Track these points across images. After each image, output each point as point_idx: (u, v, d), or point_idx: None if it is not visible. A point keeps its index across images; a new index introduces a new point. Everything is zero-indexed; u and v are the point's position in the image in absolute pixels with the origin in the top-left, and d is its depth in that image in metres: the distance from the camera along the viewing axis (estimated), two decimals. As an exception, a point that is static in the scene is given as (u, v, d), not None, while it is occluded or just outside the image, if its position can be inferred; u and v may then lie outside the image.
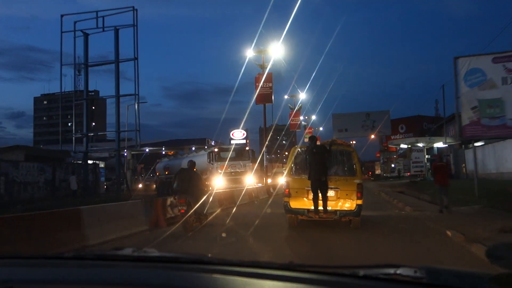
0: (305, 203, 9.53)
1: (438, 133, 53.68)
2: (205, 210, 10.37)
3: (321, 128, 62.05)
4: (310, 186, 9.32)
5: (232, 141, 48.98)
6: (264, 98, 23.06)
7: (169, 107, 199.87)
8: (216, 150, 23.75)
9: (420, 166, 32.28)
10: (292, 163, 10.03)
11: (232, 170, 22.62)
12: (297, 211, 9.66)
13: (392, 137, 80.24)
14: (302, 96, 38.76)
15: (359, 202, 9.34)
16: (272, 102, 24.13)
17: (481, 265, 5.38)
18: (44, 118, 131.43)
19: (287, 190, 9.70)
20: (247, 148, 24.71)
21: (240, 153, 24.27)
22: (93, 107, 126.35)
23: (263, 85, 22.17)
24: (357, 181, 9.58)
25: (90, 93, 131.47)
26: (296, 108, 37.36)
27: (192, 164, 10.40)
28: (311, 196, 9.35)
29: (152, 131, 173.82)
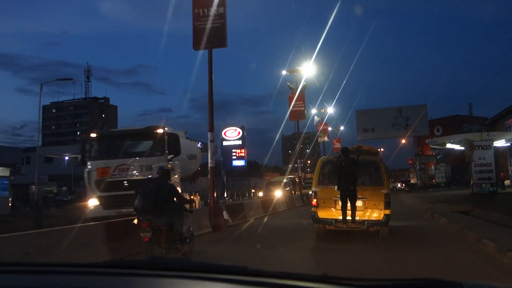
0: (333, 213, 9.50)
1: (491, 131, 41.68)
2: (187, 234, 7.60)
3: (341, 128, 50.12)
4: (338, 196, 9.33)
5: (224, 143, 38.18)
6: (214, 37, 11.78)
7: (196, 119, 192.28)
8: (93, 135, 11.73)
9: (488, 171, 20.23)
10: (319, 174, 10.04)
11: (123, 178, 11.07)
12: (325, 221, 9.63)
13: (427, 141, 68.50)
14: (310, 73, 27.01)
15: (387, 212, 9.29)
16: (225, 42, 12.23)
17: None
18: (53, 127, 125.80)
19: (315, 201, 9.71)
20: (159, 131, 11.57)
21: (147, 142, 11.87)
22: (103, 115, 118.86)
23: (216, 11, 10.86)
24: (385, 191, 9.52)
25: (100, 100, 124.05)
26: (299, 89, 25.74)
27: (164, 172, 7.51)
28: (338, 206, 9.36)
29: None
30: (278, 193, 24.05)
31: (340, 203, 9.37)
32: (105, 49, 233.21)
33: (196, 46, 13.07)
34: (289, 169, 36.52)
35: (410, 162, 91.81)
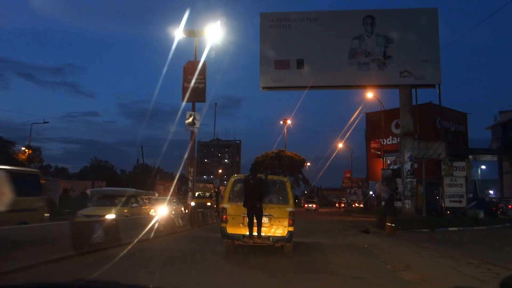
0: (241, 229, 9.87)
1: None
2: None
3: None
4: (246, 213, 9.78)
5: None
6: None
7: (125, 125, 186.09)
8: None
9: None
10: (230, 191, 10.36)
11: None
12: (233, 236, 10.00)
13: (385, 141, 39.59)
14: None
15: (291, 229, 9.78)
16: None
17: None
18: None
19: (224, 216, 10.05)
20: None
21: None
22: None
23: None
24: (290, 209, 9.92)
25: None
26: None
27: None
28: (246, 222, 9.77)
29: (105, 148, 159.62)
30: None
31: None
32: (32, 44, 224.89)
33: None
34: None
35: (348, 175, 61.93)
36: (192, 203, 22.80)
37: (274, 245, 10.00)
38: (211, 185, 52.85)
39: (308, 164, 71.46)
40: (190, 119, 16.31)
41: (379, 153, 38.30)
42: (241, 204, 9.78)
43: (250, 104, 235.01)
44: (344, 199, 66.30)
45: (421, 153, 20.17)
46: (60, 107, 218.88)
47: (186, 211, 18.08)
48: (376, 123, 46.78)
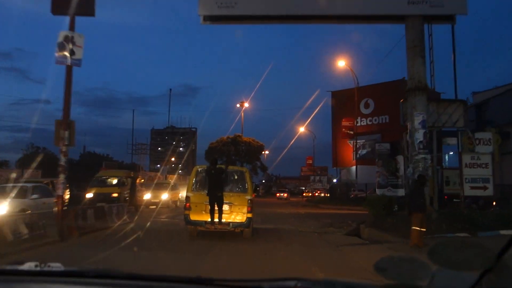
0: (203, 215, 10.33)
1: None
2: None
3: None
4: (208, 201, 10.30)
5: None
6: None
7: (77, 113, 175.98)
8: None
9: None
10: (193, 181, 10.84)
11: None
12: (196, 223, 10.44)
13: (357, 122, 33.22)
14: None
15: (249, 215, 10.38)
16: None
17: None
18: None
19: (188, 204, 10.51)
20: None
21: None
22: None
23: None
24: (248, 197, 10.55)
25: None
26: None
27: None
28: (208, 209, 10.26)
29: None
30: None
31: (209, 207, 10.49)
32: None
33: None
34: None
35: (310, 161, 56.53)
36: (89, 194, 15.42)
37: (234, 230, 10.60)
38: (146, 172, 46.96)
39: (267, 152, 66.03)
40: (67, 49, 8.95)
41: (351, 132, 32.74)
42: (203, 192, 10.36)
43: (208, 93, 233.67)
44: (304, 188, 61.15)
45: (430, 120, 14.31)
46: (8, 94, 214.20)
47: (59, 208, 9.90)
48: (344, 101, 41.30)
